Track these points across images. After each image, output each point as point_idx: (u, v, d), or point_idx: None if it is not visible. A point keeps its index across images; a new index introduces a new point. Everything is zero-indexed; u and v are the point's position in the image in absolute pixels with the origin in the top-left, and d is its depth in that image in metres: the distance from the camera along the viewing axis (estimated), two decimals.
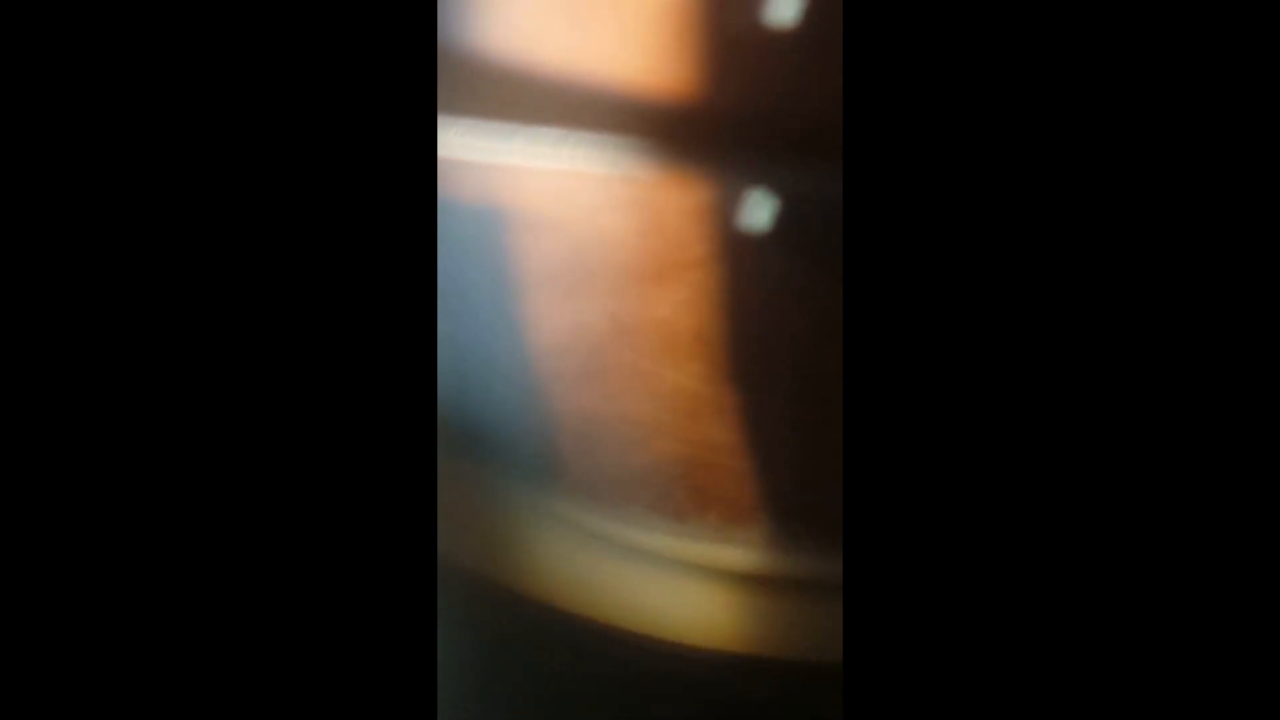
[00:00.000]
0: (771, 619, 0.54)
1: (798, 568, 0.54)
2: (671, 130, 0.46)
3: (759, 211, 0.47)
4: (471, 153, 0.48)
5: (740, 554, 0.54)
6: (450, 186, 0.49)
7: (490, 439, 0.55)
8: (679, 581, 0.55)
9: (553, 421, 0.54)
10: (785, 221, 0.47)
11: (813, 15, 0.44)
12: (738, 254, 0.49)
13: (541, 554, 0.56)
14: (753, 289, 0.49)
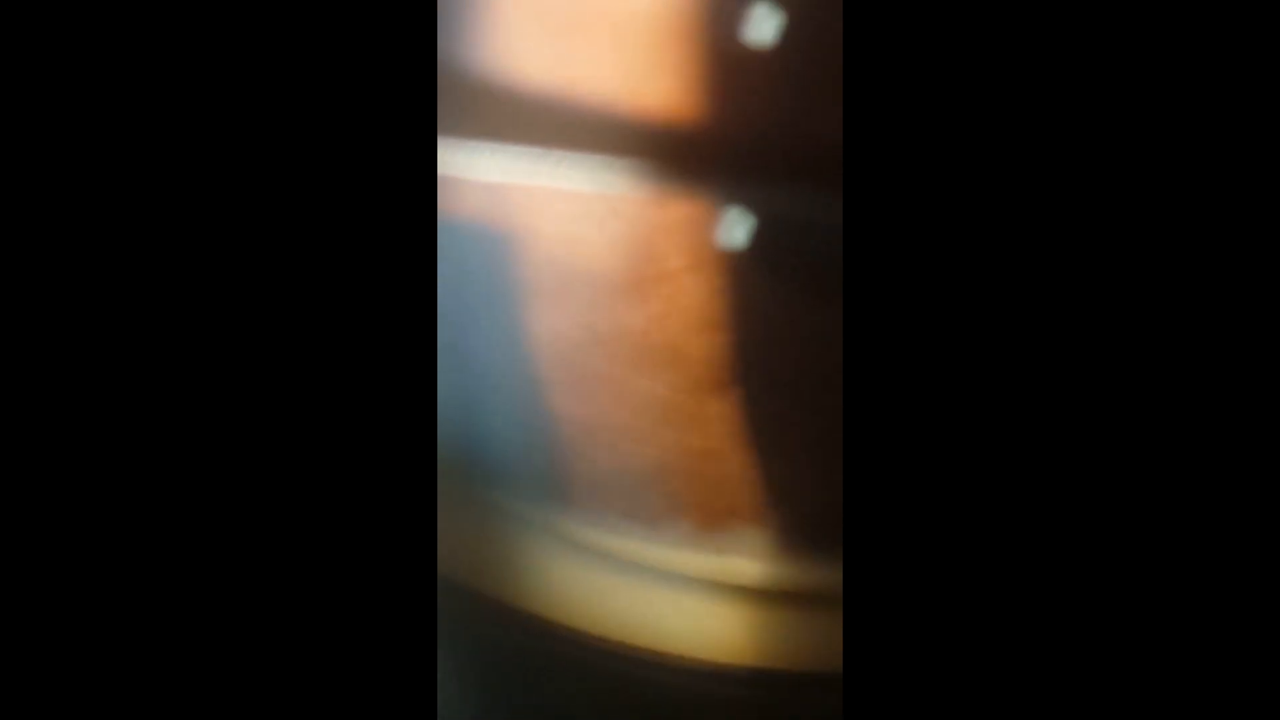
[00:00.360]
0: (765, 628, 0.54)
1: (782, 575, 0.54)
2: (667, 150, 0.47)
3: (736, 229, 0.48)
4: (471, 171, 0.48)
5: (721, 562, 0.54)
6: (444, 203, 0.50)
7: (483, 449, 0.55)
8: (671, 592, 0.55)
9: (547, 432, 0.54)
10: (769, 238, 0.48)
11: (811, 35, 0.44)
12: (722, 269, 0.49)
13: (532, 564, 0.56)
14: (736, 303, 0.50)
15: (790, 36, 0.44)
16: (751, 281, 0.49)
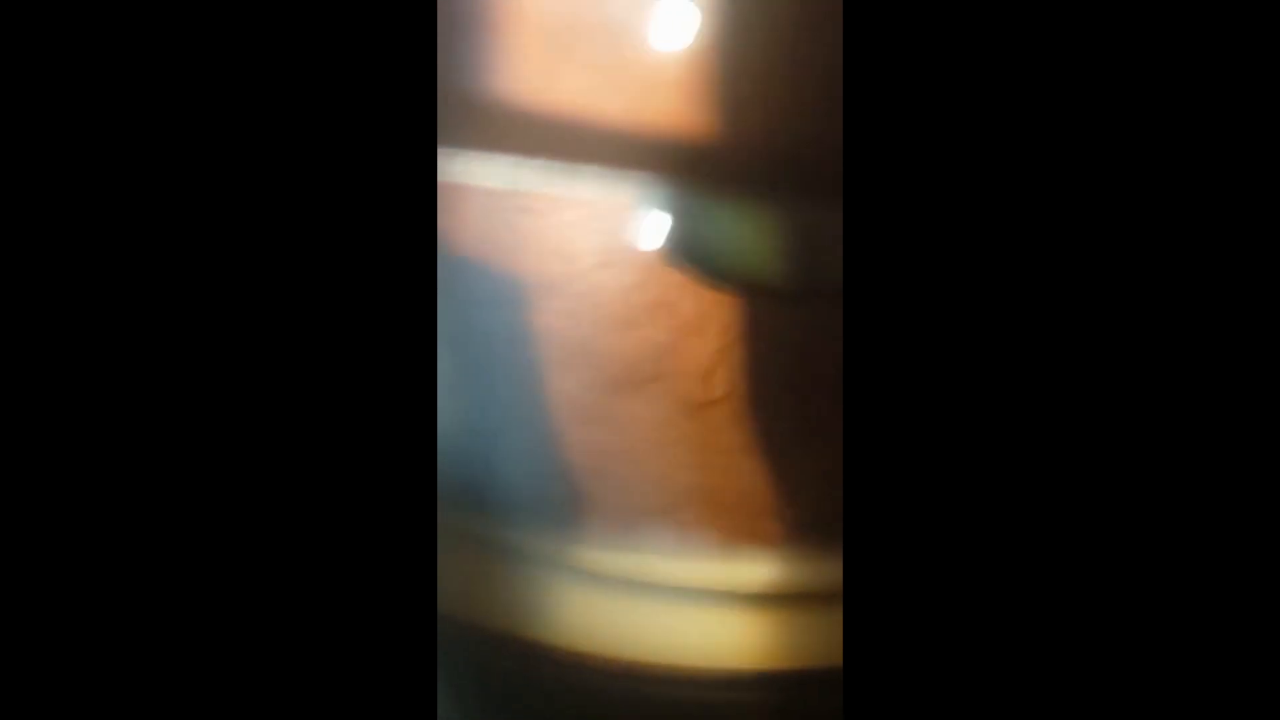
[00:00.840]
0: (764, 630, 0.54)
1: (700, 574, 0.54)
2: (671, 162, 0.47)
3: (654, 228, 0.48)
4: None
5: (636, 561, 0.54)
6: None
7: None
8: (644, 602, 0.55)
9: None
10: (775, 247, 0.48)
11: (811, 44, 0.44)
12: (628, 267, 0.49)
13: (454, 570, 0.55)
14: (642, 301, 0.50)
15: (791, 46, 0.44)
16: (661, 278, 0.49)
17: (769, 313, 0.49)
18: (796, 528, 0.52)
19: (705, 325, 0.51)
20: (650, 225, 0.49)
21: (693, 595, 0.53)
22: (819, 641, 0.52)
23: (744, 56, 0.46)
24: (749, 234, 0.49)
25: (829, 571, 0.51)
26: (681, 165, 0.48)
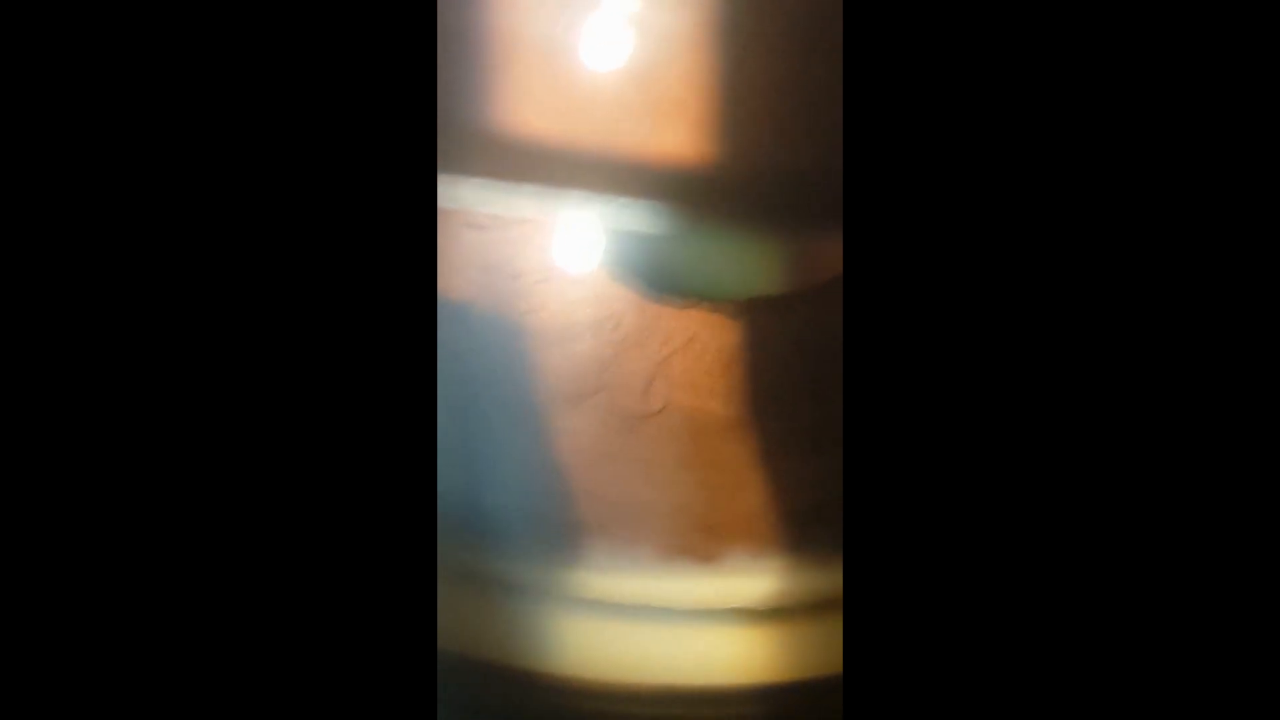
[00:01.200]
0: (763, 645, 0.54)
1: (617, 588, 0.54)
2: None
3: (591, 247, 0.49)
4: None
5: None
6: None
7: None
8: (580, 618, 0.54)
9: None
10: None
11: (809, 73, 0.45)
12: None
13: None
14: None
15: (788, 75, 0.45)
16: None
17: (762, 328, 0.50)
18: (778, 540, 0.52)
19: (645, 339, 0.51)
20: (592, 241, 0.49)
21: (678, 614, 0.53)
22: (818, 653, 0.52)
23: (731, 81, 0.46)
24: (717, 254, 0.49)
25: (827, 583, 0.52)
26: (616, 183, 0.49)
